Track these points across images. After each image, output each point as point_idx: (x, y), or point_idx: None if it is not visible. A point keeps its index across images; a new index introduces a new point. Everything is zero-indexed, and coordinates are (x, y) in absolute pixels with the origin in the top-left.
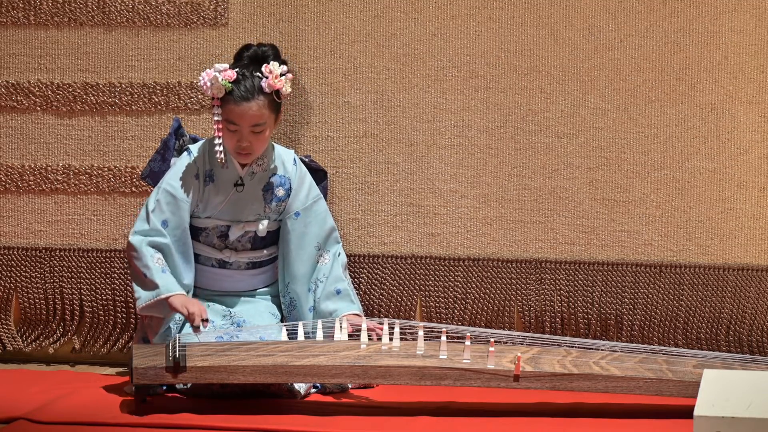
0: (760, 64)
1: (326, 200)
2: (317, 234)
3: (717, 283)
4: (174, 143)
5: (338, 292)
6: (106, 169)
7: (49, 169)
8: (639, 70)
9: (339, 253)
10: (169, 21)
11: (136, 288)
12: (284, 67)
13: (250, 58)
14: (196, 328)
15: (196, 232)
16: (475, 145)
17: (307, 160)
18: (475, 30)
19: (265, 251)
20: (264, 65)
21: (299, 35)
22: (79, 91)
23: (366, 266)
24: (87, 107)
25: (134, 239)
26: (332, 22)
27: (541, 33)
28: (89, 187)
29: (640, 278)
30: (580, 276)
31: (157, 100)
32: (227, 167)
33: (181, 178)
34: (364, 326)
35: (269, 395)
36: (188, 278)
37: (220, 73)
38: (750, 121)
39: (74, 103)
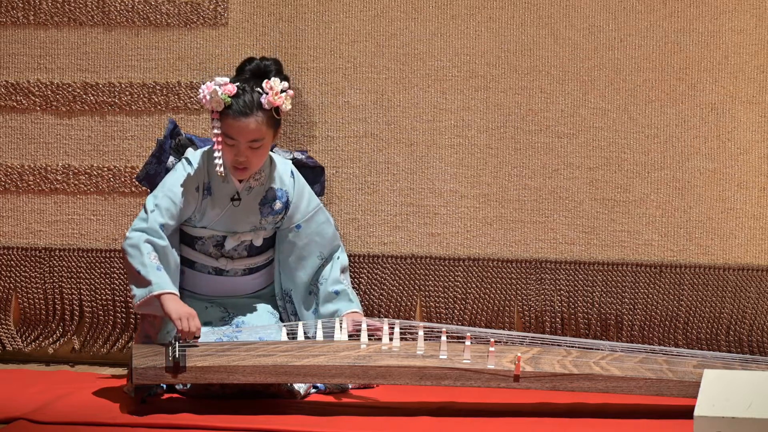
0: (760, 64)
1: (324, 196)
2: (320, 244)
3: (717, 283)
4: (169, 144)
5: (336, 293)
6: (105, 169)
7: (49, 169)
8: (639, 70)
9: (338, 257)
10: (168, 21)
11: (132, 285)
12: (285, 84)
13: (252, 72)
14: (192, 339)
15: (191, 240)
16: (475, 145)
17: (303, 157)
18: (475, 30)
19: (261, 257)
20: (265, 81)
21: (299, 35)
22: (78, 91)
23: (366, 266)
24: (87, 107)
25: (133, 234)
26: (332, 22)
27: (541, 33)
28: (89, 187)
29: (640, 278)
30: (580, 276)
31: (156, 100)
32: (227, 181)
33: (182, 187)
34: (364, 326)
35: (269, 395)
36: (177, 282)
37: (220, 87)
38: (750, 121)
39: (74, 103)
